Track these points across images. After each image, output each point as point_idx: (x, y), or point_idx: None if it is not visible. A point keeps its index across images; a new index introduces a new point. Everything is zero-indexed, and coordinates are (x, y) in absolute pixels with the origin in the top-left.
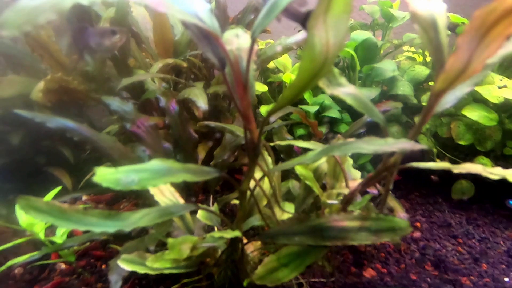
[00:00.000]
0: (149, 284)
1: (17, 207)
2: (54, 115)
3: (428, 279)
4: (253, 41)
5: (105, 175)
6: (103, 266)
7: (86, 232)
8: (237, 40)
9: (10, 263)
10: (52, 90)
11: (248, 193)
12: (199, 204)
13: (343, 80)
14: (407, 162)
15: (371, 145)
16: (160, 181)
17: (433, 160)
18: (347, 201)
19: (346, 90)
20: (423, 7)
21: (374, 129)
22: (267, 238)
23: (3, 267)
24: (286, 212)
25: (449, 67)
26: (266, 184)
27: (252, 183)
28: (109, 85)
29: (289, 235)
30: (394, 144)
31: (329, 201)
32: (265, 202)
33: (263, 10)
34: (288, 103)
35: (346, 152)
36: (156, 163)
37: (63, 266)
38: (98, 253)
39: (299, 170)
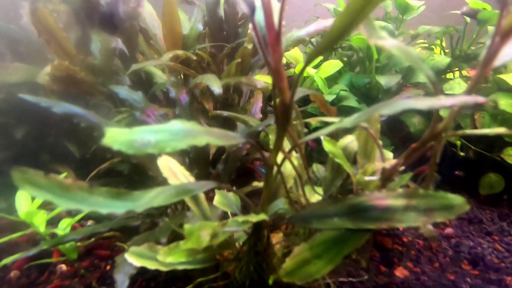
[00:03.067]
0: (159, 286)
1: (16, 197)
2: (60, 101)
3: (468, 279)
4: None
5: (116, 136)
6: (108, 267)
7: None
8: None
9: (4, 261)
10: (58, 78)
11: (275, 169)
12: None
13: (384, 33)
14: (427, 160)
15: (424, 101)
16: (181, 143)
17: (457, 154)
18: (387, 177)
19: (391, 42)
20: None
21: (394, 120)
22: (298, 221)
23: None
24: (317, 193)
25: None
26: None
27: (281, 157)
28: (117, 79)
29: (324, 217)
30: (451, 98)
31: (367, 178)
32: (291, 183)
33: None
34: (336, 40)
35: (395, 110)
36: (176, 124)
37: (64, 267)
38: (103, 253)
39: (327, 146)
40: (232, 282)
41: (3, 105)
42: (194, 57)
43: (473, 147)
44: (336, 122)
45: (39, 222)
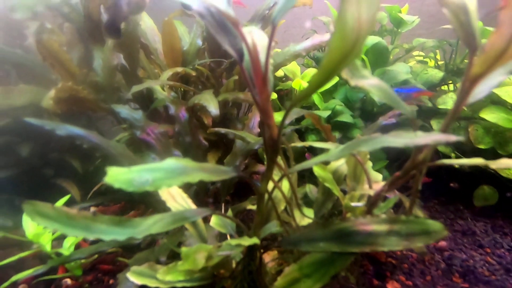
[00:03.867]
0: None
1: (24, 217)
2: (63, 123)
3: None
4: (274, 27)
5: (117, 175)
6: (111, 281)
7: (94, 242)
8: (250, 36)
9: (13, 278)
10: (62, 99)
11: (266, 196)
12: (214, 210)
13: (366, 72)
14: (426, 167)
15: (401, 139)
16: (176, 180)
17: (452, 166)
18: (372, 203)
19: (371, 82)
20: None
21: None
22: (288, 245)
23: (6, 283)
24: (307, 217)
25: (489, 46)
26: (283, 187)
27: (271, 185)
28: (119, 95)
29: (312, 241)
30: (426, 136)
31: (353, 204)
32: (282, 207)
33: None
34: (317, 88)
35: (374, 147)
36: (171, 162)
37: (69, 281)
38: (106, 267)
39: (317, 171)
40: None
41: (9, 125)
42: (194, 73)
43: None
44: (325, 149)
45: (45, 241)
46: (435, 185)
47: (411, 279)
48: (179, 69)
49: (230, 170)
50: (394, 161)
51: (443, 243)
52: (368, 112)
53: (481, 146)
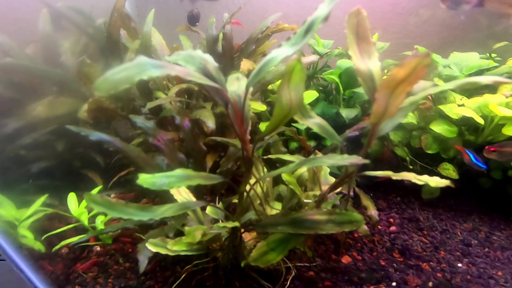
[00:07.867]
0: (167, 265)
1: (68, 200)
2: (94, 130)
3: (395, 264)
4: (247, 91)
5: (145, 179)
6: (130, 250)
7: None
8: (237, 82)
9: (63, 243)
10: (92, 110)
11: (245, 194)
12: (210, 202)
13: (313, 113)
14: (388, 168)
15: (331, 160)
16: (183, 183)
17: (407, 167)
18: (319, 200)
19: (314, 121)
20: (363, 65)
21: (355, 141)
22: (259, 227)
23: (58, 246)
24: (274, 209)
25: (374, 110)
26: (260, 188)
27: (248, 187)
28: (133, 104)
29: (275, 225)
30: (347, 159)
31: (305, 201)
32: (259, 201)
33: (255, 70)
34: (267, 135)
35: (314, 165)
36: (179, 171)
37: (98, 248)
38: (126, 240)
39: (285, 177)
40: (218, 265)
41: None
42: (196, 88)
43: (419, 162)
44: (291, 161)
45: (84, 218)
46: (394, 182)
47: (361, 255)
48: (184, 85)
49: (218, 177)
50: None
51: (393, 228)
52: (341, 123)
53: (430, 151)
